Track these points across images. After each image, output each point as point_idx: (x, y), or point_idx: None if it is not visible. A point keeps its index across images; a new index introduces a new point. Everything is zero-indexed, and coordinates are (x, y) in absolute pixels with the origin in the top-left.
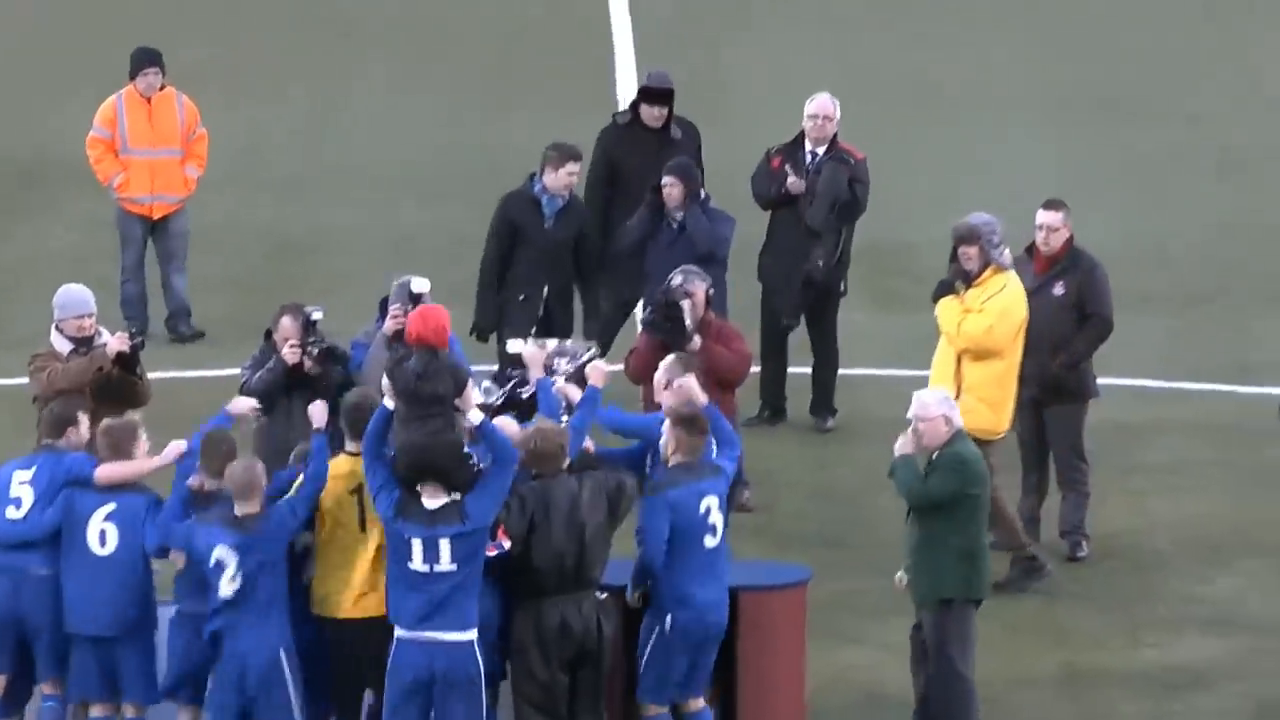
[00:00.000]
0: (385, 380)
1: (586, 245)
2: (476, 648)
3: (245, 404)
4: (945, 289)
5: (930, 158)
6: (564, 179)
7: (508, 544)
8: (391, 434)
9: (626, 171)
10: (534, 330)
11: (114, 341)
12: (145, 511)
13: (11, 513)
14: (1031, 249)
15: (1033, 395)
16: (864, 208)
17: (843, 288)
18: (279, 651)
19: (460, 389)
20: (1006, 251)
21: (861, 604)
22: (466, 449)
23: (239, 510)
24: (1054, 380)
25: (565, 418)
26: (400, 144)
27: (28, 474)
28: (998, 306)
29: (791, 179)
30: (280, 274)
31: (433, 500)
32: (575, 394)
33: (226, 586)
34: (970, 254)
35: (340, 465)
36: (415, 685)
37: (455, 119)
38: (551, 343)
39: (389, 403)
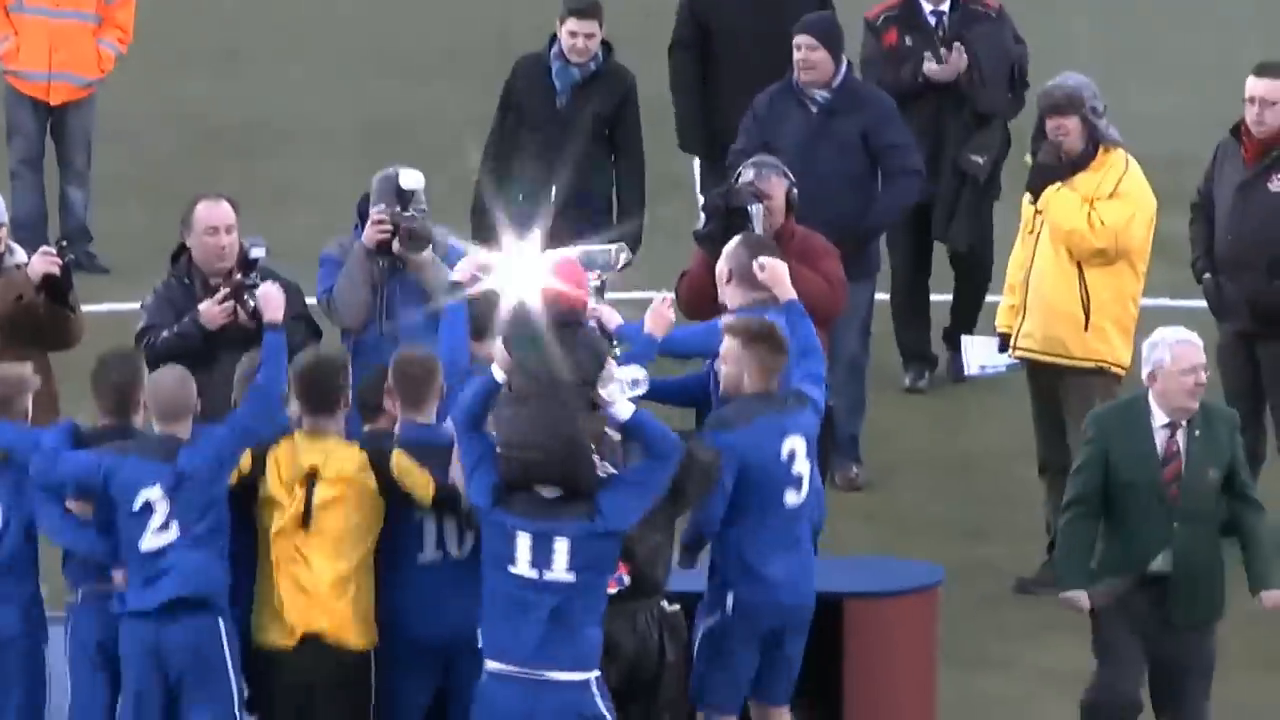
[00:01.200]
0: (499, 346)
1: (624, 132)
2: (596, 690)
3: None
4: (1048, 175)
5: (1088, 10)
6: (568, 41)
7: (629, 578)
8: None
9: (724, 34)
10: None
11: (39, 261)
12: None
13: None
14: (1238, 130)
15: (1241, 328)
16: None
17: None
18: (217, 622)
19: (599, 369)
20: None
21: (1009, 616)
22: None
23: (161, 430)
24: (1269, 306)
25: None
26: (374, 2)
27: None
28: (1132, 191)
29: (930, 64)
30: (210, 176)
31: (551, 489)
32: (610, 316)
33: (154, 539)
34: (1069, 128)
35: (289, 447)
36: None
37: None
38: (572, 252)
39: (499, 374)
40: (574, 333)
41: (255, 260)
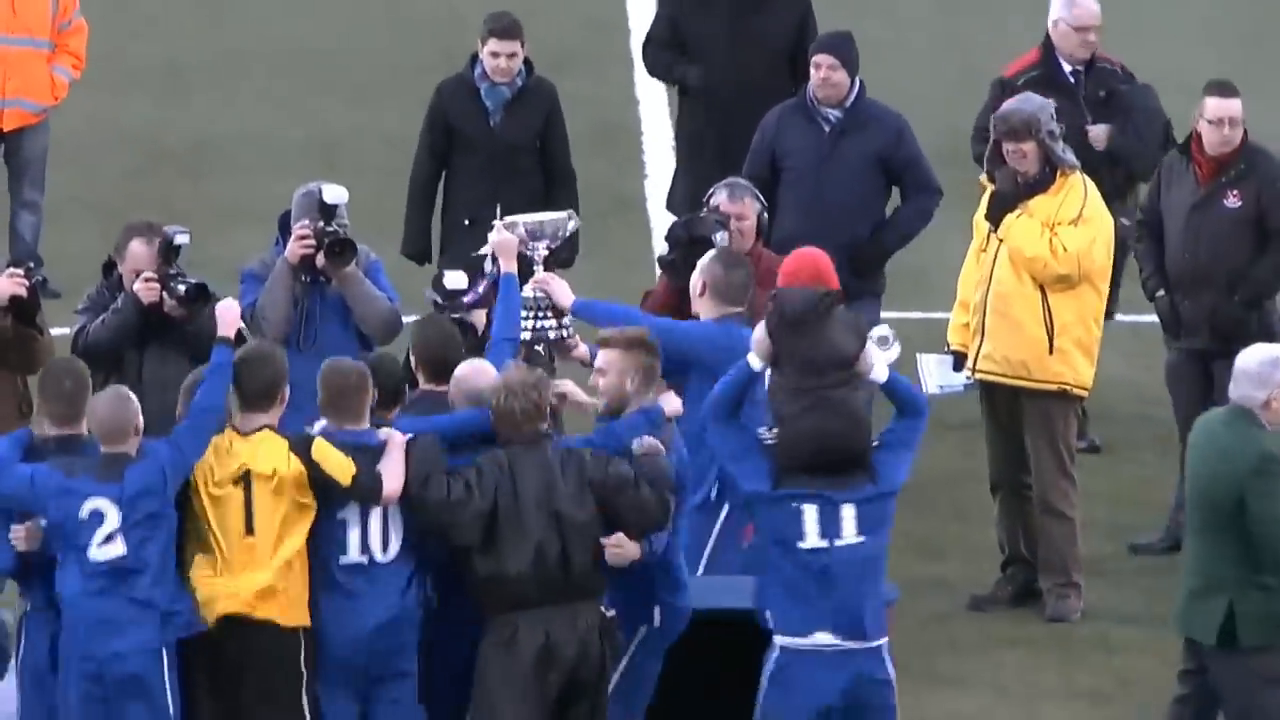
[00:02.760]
0: (759, 333)
1: (554, 145)
2: (887, 655)
3: None
4: (1007, 202)
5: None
6: (491, 62)
7: None
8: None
9: (701, 41)
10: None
11: (6, 283)
12: None
13: None
14: (1187, 147)
15: (1198, 345)
16: None
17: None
18: (160, 648)
19: (863, 343)
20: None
21: (962, 633)
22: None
23: (107, 450)
24: (1230, 323)
25: (538, 323)
26: (319, 21)
27: None
28: (1093, 217)
29: (1093, 129)
30: (159, 197)
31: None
32: (561, 290)
33: (101, 550)
34: (1026, 152)
35: (222, 445)
36: (820, 714)
37: None
38: (522, 221)
39: (756, 363)
40: (835, 313)
41: (179, 247)
